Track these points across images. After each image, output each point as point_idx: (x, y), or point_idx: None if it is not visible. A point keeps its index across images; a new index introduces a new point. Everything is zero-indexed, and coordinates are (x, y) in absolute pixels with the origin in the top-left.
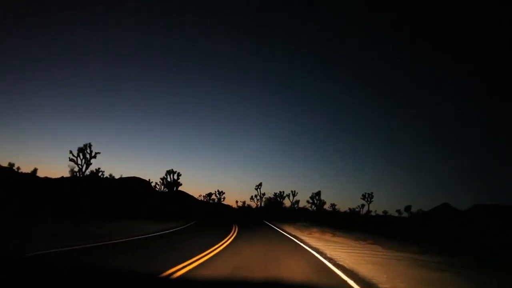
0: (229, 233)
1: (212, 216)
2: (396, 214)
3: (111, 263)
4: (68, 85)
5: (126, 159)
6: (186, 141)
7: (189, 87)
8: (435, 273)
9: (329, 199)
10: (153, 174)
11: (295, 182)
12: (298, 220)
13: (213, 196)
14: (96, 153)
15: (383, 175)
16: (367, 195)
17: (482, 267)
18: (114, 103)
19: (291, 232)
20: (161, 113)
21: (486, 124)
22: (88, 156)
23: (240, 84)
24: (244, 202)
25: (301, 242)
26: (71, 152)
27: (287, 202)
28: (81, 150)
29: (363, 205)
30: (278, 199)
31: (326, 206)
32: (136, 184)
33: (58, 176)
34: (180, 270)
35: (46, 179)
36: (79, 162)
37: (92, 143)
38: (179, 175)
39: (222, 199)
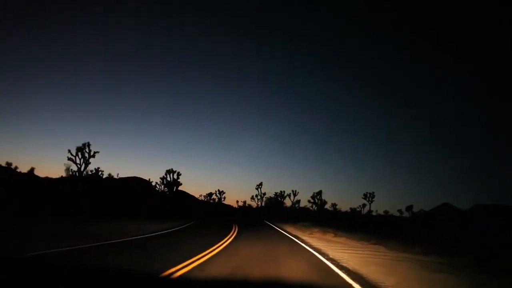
0: (229, 233)
1: (212, 216)
2: (398, 214)
3: (111, 263)
4: (68, 85)
5: (126, 159)
6: (186, 141)
7: (189, 87)
8: (441, 275)
9: (330, 198)
10: (153, 174)
11: (296, 182)
12: (299, 220)
13: (214, 196)
14: (95, 152)
15: (383, 175)
16: (368, 195)
17: (485, 268)
18: (114, 103)
19: (291, 232)
20: (161, 113)
21: (486, 124)
22: (86, 155)
23: (240, 84)
24: (244, 202)
25: (302, 242)
26: (69, 151)
27: (287, 202)
28: (80, 149)
29: (364, 205)
30: (279, 198)
31: (327, 206)
32: (136, 184)
33: (58, 175)
34: (180, 270)
35: (47, 179)
36: (78, 161)
37: (91, 142)
38: (179, 174)
39: (222, 199)
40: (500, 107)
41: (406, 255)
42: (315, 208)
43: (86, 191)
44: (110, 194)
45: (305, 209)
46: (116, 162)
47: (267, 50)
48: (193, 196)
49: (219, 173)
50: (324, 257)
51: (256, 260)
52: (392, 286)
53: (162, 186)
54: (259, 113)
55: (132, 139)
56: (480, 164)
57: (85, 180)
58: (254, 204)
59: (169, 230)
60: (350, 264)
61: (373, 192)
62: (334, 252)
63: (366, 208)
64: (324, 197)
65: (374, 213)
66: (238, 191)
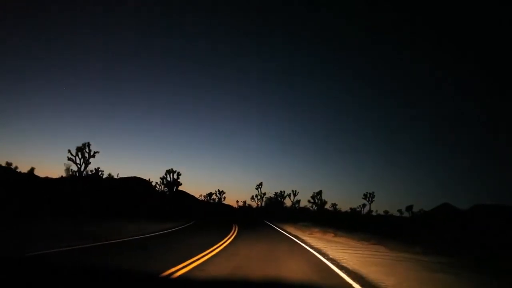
0: (229, 233)
1: (212, 216)
2: (397, 214)
3: (111, 263)
4: (68, 85)
5: (126, 159)
6: (186, 141)
7: (189, 87)
8: (441, 275)
9: (330, 199)
10: (153, 174)
11: (296, 182)
12: (299, 220)
13: (214, 196)
14: (95, 152)
15: (383, 175)
16: (368, 195)
17: (485, 268)
18: (114, 103)
19: (292, 232)
20: (161, 113)
21: (486, 124)
22: (86, 155)
23: (240, 84)
24: (244, 202)
25: (302, 242)
26: (69, 151)
27: (288, 202)
28: (80, 149)
29: (364, 205)
30: (279, 198)
31: (327, 206)
32: (136, 184)
33: (58, 175)
34: (180, 270)
35: (47, 179)
36: (78, 161)
37: (91, 142)
38: (179, 174)
39: (222, 199)
40: (500, 107)
41: (406, 255)
42: (315, 208)
43: (86, 191)
44: (110, 194)
45: (305, 209)
46: (116, 162)
47: (267, 50)
48: (193, 196)
49: (219, 173)
50: (324, 257)
51: (256, 260)
52: (392, 286)
53: (162, 186)
54: (259, 113)
55: (132, 139)
56: (480, 164)
57: (85, 180)
58: (254, 204)
59: (169, 230)
60: (350, 264)
61: (373, 192)
62: (334, 252)
63: (366, 208)
64: (324, 197)
65: (374, 213)
66: (238, 191)
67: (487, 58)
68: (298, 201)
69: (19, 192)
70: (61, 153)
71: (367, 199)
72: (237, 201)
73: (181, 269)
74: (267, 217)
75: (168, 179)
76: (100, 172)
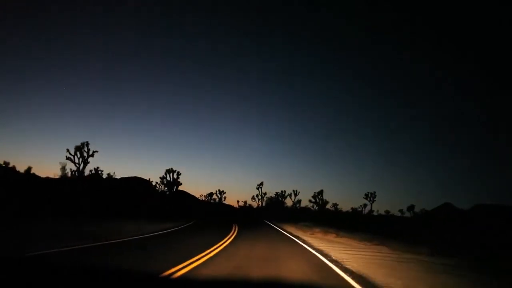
0: (229, 233)
1: (212, 216)
2: (399, 214)
3: (111, 263)
4: (68, 85)
5: (126, 159)
6: (186, 141)
7: (189, 87)
8: (449, 278)
9: (331, 198)
10: (154, 174)
11: (297, 182)
12: (300, 219)
13: (214, 196)
14: (93, 152)
15: (384, 175)
16: (370, 195)
17: (491, 271)
18: (114, 103)
19: (292, 232)
20: (161, 113)
21: (486, 124)
22: (85, 154)
23: (240, 84)
24: (245, 202)
25: (303, 242)
26: (68, 150)
27: (288, 202)
28: (78, 148)
29: (365, 205)
30: (280, 198)
31: (328, 206)
32: (137, 184)
33: (58, 175)
34: (180, 270)
35: (47, 179)
36: (76, 160)
37: (89, 142)
38: (178, 174)
39: (223, 199)
40: (500, 107)
41: (410, 256)
42: (316, 208)
43: (86, 191)
44: (110, 194)
45: (306, 209)
46: (116, 162)
47: (267, 50)
48: (193, 196)
49: (220, 173)
50: (326, 258)
51: (256, 260)
52: None
53: (162, 186)
54: (259, 113)
55: (132, 139)
56: (480, 164)
57: (85, 180)
58: (254, 204)
59: (169, 230)
60: (354, 266)
61: (375, 192)
62: (337, 253)
63: (367, 208)
64: (325, 197)
65: (375, 213)
66: (239, 191)
67: (487, 58)
68: (299, 201)
69: (19, 192)
70: (61, 153)
71: (369, 199)
72: (238, 201)
73: (181, 269)
74: (267, 217)
75: (168, 178)
76: (99, 172)
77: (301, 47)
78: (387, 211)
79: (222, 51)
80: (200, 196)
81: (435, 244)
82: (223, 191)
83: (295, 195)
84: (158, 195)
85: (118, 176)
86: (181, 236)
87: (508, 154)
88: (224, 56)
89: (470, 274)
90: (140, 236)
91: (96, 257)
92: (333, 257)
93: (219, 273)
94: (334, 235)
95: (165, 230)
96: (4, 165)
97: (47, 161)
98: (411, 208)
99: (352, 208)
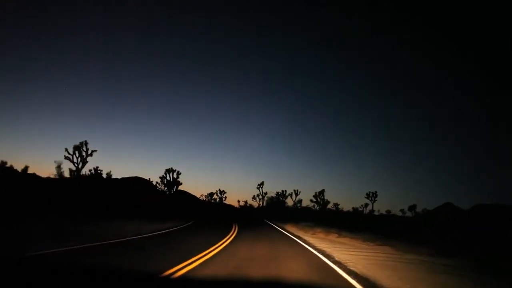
0: (229, 233)
1: (213, 216)
2: (400, 214)
3: (111, 263)
4: (68, 85)
5: (126, 159)
6: (186, 141)
7: (189, 87)
8: (458, 281)
9: (332, 198)
10: (154, 174)
11: (298, 182)
12: (301, 219)
13: (215, 196)
14: (92, 151)
15: (384, 175)
16: (371, 194)
17: (504, 272)
18: (114, 103)
19: (293, 232)
20: (161, 113)
21: (486, 124)
22: (84, 154)
23: (240, 84)
24: (246, 202)
25: (304, 243)
26: (66, 150)
27: (289, 202)
28: (77, 147)
29: (366, 204)
30: (281, 198)
31: (330, 206)
32: (137, 184)
33: (53, 175)
34: (180, 270)
35: (48, 179)
36: (75, 160)
37: (88, 141)
38: (178, 173)
39: (223, 199)
40: (500, 107)
41: (416, 256)
42: (317, 207)
43: (86, 191)
44: (110, 194)
45: (307, 208)
46: (116, 162)
47: (267, 50)
48: (194, 196)
49: (220, 173)
50: (329, 259)
51: (256, 261)
52: None
53: (163, 185)
54: (259, 112)
55: (132, 139)
56: (481, 164)
57: (84, 180)
58: (255, 204)
59: (169, 230)
60: (359, 267)
61: (376, 192)
62: (339, 253)
63: (368, 208)
64: (326, 196)
65: (376, 213)
66: (240, 190)
67: (487, 58)
68: (300, 201)
69: (19, 192)
70: (61, 153)
71: (370, 198)
72: (239, 201)
73: (181, 269)
74: (268, 217)
75: (168, 178)
76: (99, 172)
77: (301, 47)
78: (388, 211)
79: (222, 51)
80: (201, 196)
81: (438, 244)
82: (223, 191)
83: (296, 194)
84: (158, 195)
85: (117, 176)
86: (181, 236)
87: (508, 154)
88: (224, 56)
89: (471, 275)
90: (140, 236)
91: (96, 257)
92: (336, 258)
93: (219, 273)
94: (336, 235)
95: (165, 230)
96: (1, 165)
97: (47, 161)
98: (412, 207)
99: (353, 208)
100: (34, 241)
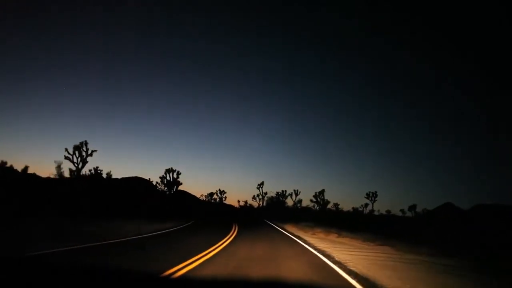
0: (229, 233)
1: (213, 216)
2: (400, 214)
3: (111, 263)
4: (68, 85)
5: (126, 159)
6: (186, 141)
7: (189, 87)
8: (460, 281)
9: (332, 198)
10: (154, 174)
11: (298, 182)
12: (301, 219)
13: (215, 196)
14: (92, 151)
15: (384, 174)
16: (371, 194)
17: (507, 272)
18: (114, 103)
19: (293, 232)
20: (161, 113)
21: (486, 124)
22: (84, 154)
23: (240, 84)
24: (246, 202)
25: (304, 243)
26: (66, 150)
27: (289, 202)
28: (77, 147)
29: (366, 204)
30: (281, 198)
31: (329, 206)
32: (137, 184)
33: (53, 175)
34: (180, 270)
35: (48, 179)
36: (75, 160)
37: (88, 141)
38: (178, 173)
39: (223, 199)
40: (500, 107)
41: (416, 256)
42: (317, 207)
43: (86, 191)
44: (110, 194)
45: (307, 208)
46: (116, 162)
47: (267, 50)
48: (194, 196)
49: (220, 173)
50: (329, 259)
51: (256, 261)
52: None
53: (163, 185)
54: (260, 112)
55: (132, 139)
56: (481, 164)
57: (84, 180)
58: (255, 204)
59: (169, 230)
60: (359, 268)
61: (376, 192)
62: (340, 254)
63: (368, 208)
64: (326, 196)
65: (376, 213)
66: (240, 190)
67: (487, 58)
68: (300, 201)
69: (19, 192)
70: (61, 153)
71: (370, 198)
72: (239, 201)
73: (181, 269)
74: (268, 217)
75: (168, 178)
76: (99, 171)
77: (301, 47)
78: (388, 211)
79: (222, 51)
80: (201, 196)
81: (438, 244)
82: (223, 191)
83: (296, 194)
84: (158, 195)
85: (117, 176)
86: (181, 236)
87: (508, 154)
88: (224, 56)
89: (471, 275)
90: (140, 236)
91: (96, 257)
92: (336, 258)
93: (219, 273)
94: (336, 235)
95: (165, 230)
96: (1, 165)
97: (47, 161)
98: (412, 207)
99: (353, 208)
100: (34, 241)
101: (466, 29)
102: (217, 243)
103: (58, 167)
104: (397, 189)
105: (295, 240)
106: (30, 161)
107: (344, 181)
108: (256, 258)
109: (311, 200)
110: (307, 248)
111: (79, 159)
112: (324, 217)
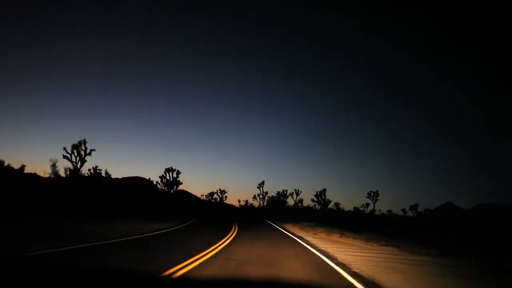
0: (229, 233)
1: (213, 216)
2: (401, 213)
3: (111, 263)
4: (68, 85)
5: (126, 158)
6: (186, 141)
7: (189, 87)
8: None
9: (333, 198)
10: (154, 174)
11: (298, 181)
12: (302, 219)
13: (215, 195)
14: (91, 150)
15: (384, 174)
16: (372, 194)
17: (500, 270)
18: (114, 102)
19: (294, 232)
20: (161, 113)
21: (486, 124)
22: (82, 153)
23: (240, 84)
24: (246, 201)
25: (306, 243)
26: (64, 148)
27: (290, 201)
28: (75, 146)
29: (367, 204)
30: (281, 198)
31: (331, 205)
32: (137, 184)
33: (48, 173)
34: (181, 270)
35: (48, 178)
36: (73, 159)
37: (87, 140)
38: (178, 173)
39: (224, 198)
40: (500, 107)
41: (423, 258)
42: (319, 207)
43: (86, 191)
44: (110, 193)
45: (308, 208)
46: (116, 161)
47: (267, 50)
48: (194, 196)
49: (221, 173)
50: (332, 261)
51: (257, 260)
52: None
53: (163, 185)
54: (260, 112)
55: (132, 138)
56: (481, 164)
57: (84, 180)
58: (256, 204)
59: (170, 230)
60: (364, 270)
61: (377, 191)
62: (343, 254)
63: (370, 207)
64: (327, 196)
65: (377, 213)
66: (240, 190)
67: (487, 58)
68: (301, 200)
69: (19, 192)
70: (60, 153)
71: (371, 198)
72: (239, 201)
73: (181, 269)
74: (269, 216)
75: (168, 177)
76: (98, 171)
77: (301, 47)
78: (389, 211)
79: (222, 51)
80: (201, 195)
81: (441, 245)
82: (224, 190)
83: (297, 194)
84: (159, 195)
85: (117, 175)
86: (182, 236)
87: (508, 154)
88: (224, 56)
89: (492, 280)
90: (140, 236)
91: (96, 257)
92: (340, 260)
93: (219, 272)
94: (338, 235)
95: (165, 229)
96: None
97: (47, 161)
98: (414, 207)
99: (354, 208)
100: (34, 241)
101: (466, 29)
102: (217, 243)
103: (53, 166)
104: (398, 189)
105: (296, 240)
106: (29, 161)
107: (345, 181)
108: (257, 258)
109: (312, 200)
110: (308, 249)
111: (77, 158)
112: (325, 216)
